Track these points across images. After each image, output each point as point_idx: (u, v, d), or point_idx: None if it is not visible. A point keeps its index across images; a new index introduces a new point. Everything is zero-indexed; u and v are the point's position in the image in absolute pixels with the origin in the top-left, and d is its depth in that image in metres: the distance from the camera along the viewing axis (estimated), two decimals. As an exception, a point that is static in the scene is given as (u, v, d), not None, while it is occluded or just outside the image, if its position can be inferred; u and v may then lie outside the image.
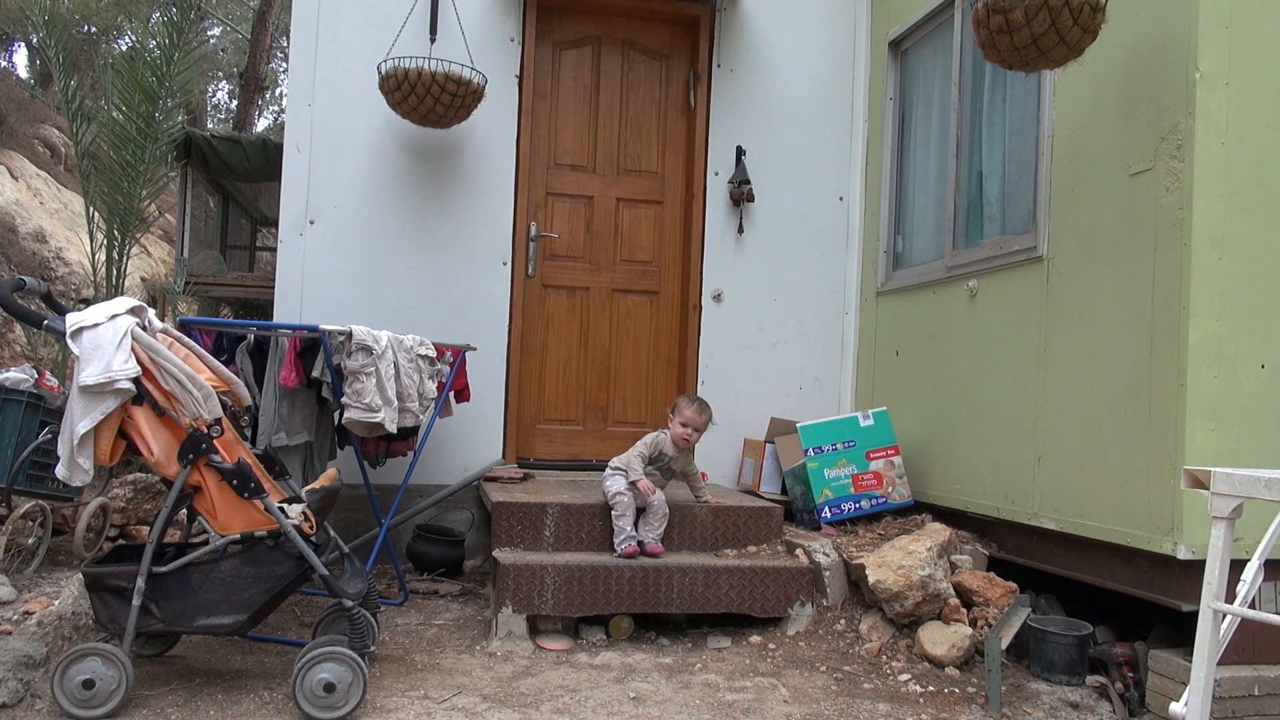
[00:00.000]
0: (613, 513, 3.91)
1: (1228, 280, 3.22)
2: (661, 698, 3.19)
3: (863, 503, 4.47)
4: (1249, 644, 3.18)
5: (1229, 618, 2.35)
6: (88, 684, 2.74)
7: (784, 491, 4.87)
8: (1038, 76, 4.01)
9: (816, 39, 5.54)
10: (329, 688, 2.81)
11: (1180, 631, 3.37)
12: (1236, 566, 2.40)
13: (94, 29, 16.66)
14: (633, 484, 3.93)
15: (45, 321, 2.85)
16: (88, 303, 3.07)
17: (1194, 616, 2.52)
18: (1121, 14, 3.50)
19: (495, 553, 3.87)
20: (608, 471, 4.05)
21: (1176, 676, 3.16)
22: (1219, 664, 2.37)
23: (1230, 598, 2.36)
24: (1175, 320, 3.24)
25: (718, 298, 5.37)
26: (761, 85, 5.46)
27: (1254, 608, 2.77)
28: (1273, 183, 3.28)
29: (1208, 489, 2.31)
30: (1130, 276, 3.46)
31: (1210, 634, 2.29)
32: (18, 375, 4.11)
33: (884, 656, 3.64)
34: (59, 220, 10.56)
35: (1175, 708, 2.31)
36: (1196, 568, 3.05)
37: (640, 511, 3.96)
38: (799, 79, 5.51)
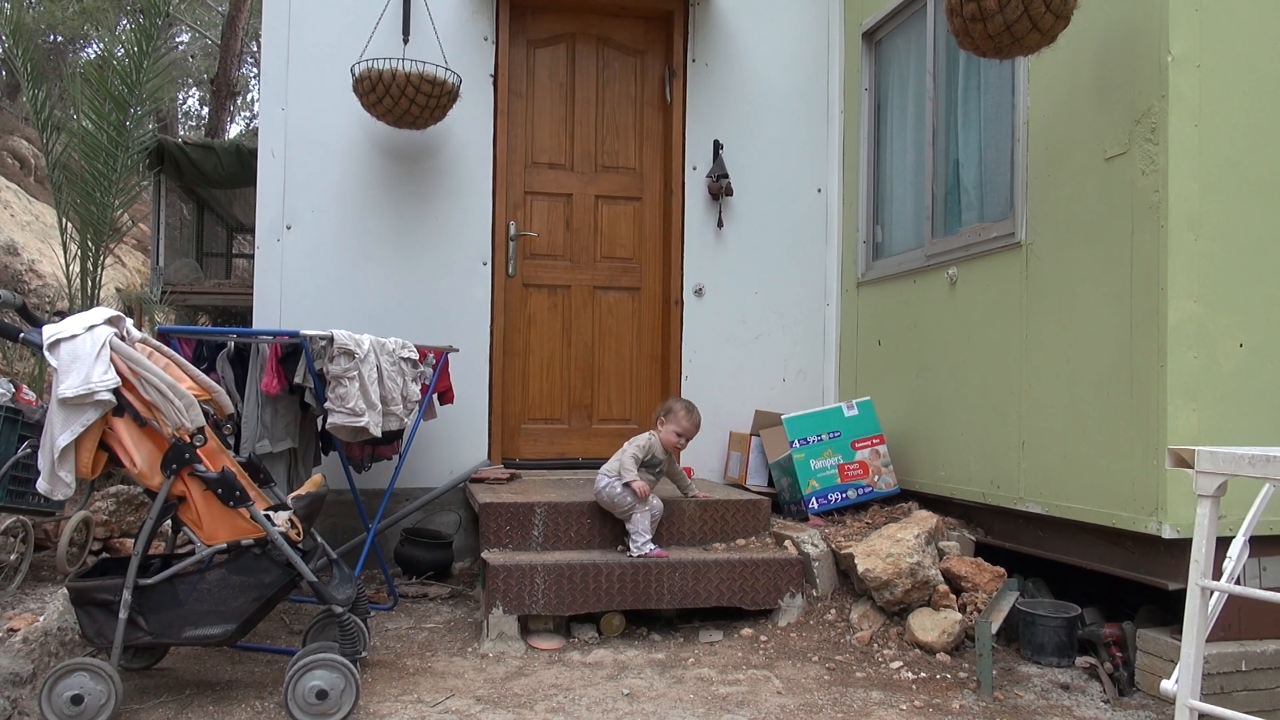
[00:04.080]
0: (634, 514, 3.86)
1: (1205, 261, 3.25)
2: (655, 693, 3.19)
3: (849, 492, 4.49)
4: (1235, 620, 3.21)
5: (1216, 595, 2.37)
6: (76, 699, 2.71)
7: (771, 484, 4.87)
8: (1012, 63, 4.03)
9: (790, 31, 5.55)
10: (321, 695, 2.79)
11: (1167, 611, 3.40)
12: (1222, 544, 2.42)
13: (60, 38, 16.48)
14: (627, 485, 3.86)
15: (21, 334, 2.81)
16: (63, 315, 3.03)
17: (1180, 595, 2.54)
18: (1093, -1, 3.52)
19: (484, 554, 3.86)
20: (607, 481, 3.93)
21: (1165, 655, 3.19)
22: (1207, 641, 2.39)
23: (1216, 575, 2.38)
24: (1154, 302, 3.27)
25: (699, 292, 5.38)
26: (737, 79, 5.46)
27: (1239, 584, 2.80)
28: (1247, 163, 3.31)
29: (1192, 468, 2.33)
30: (1108, 260, 3.49)
31: (1198, 611, 2.31)
32: (-6, 390, 4.06)
33: (875, 645, 3.65)
34: (31, 232, 10.44)
35: (1166, 685, 2.33)
36: (1182, 547, 3.08)
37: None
38: (774, 71, 5.51)
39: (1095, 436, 3.52)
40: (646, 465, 3.97)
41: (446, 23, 5.07)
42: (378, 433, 3.88)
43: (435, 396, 4.46)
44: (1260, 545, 3.19)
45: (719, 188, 5.32)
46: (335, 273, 4.94)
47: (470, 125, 5.12)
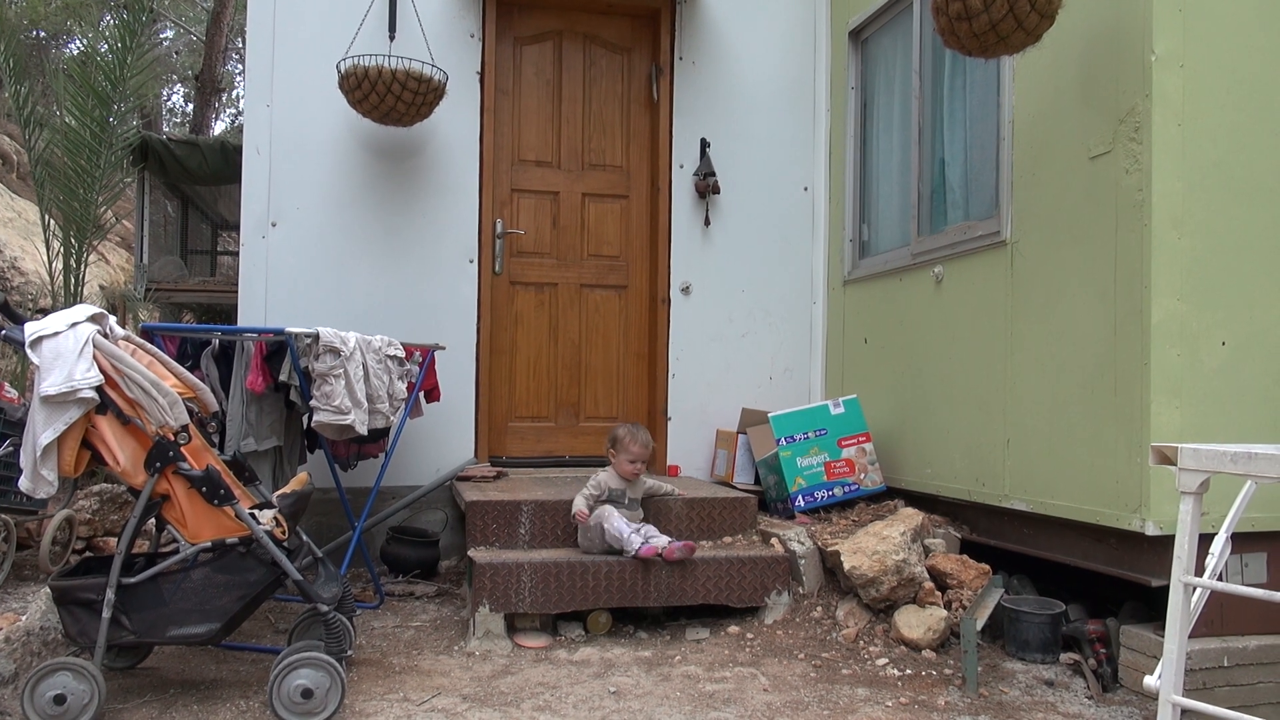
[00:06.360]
0: (613, 527, 3.82)
1: (1188, 259, 3.27)
2: (642, 691, 3.19)
3: (836, 490, 4.50)
4: (1218, 616, 3.24)
5: (1199, 591, 2.39)
6: (59, 699, 2.69)
7: (757, 482, 4.88)
8: (997, 63, 4.04)
9: (777, 29, 5.56)
10: (306, 694, 2.78)
11: (1150, 607, 3.42)
12: (1204, 541, 2.44)
13: (43, 34, 16.35)
14: (574, 515, 3.85)
15: (3, 331, 2.79)
16: (45, 312, 3.01)
17: (1163, 592, 2.56)
18: (1078, -1, 3.54)
19: (471, 552, 3.85)
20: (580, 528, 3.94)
21: (1148, 651, 3.21)
22: (1189, 637, 2.41)
23: (1199, 571, 2.40)
24: (1138, 300, 3.29)
25: (686, 290, 5.38)
26: (724, 77, 5.46)
27: (1222, 580, 2.83)
28: (1230, 162, 3.33)
29: (1175, 465, 2.35)
30: (1093, 258, 3.51)
31: (1181, 607, 2.32)
32: (-24, 388, 4.03)
33: (861, 642, 3.67)
34: (13, 229, 10.35)
35: (1150, 680, 2.35)
36: (1165, 543, 3.10)
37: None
38: (761, 70, 5.52)
39: (1079, 434, 3.54)
40: (610, 501, 3.93)
41: (433, 20, 5.05)
42: (364, 430, 3.86)
43: (422, 394, 4.44)
44: (1242, 542, 3.22)
45: (706, 186, 5.33)
46: (321, 270, 4.92)
47: (457, 122, 5.11)
